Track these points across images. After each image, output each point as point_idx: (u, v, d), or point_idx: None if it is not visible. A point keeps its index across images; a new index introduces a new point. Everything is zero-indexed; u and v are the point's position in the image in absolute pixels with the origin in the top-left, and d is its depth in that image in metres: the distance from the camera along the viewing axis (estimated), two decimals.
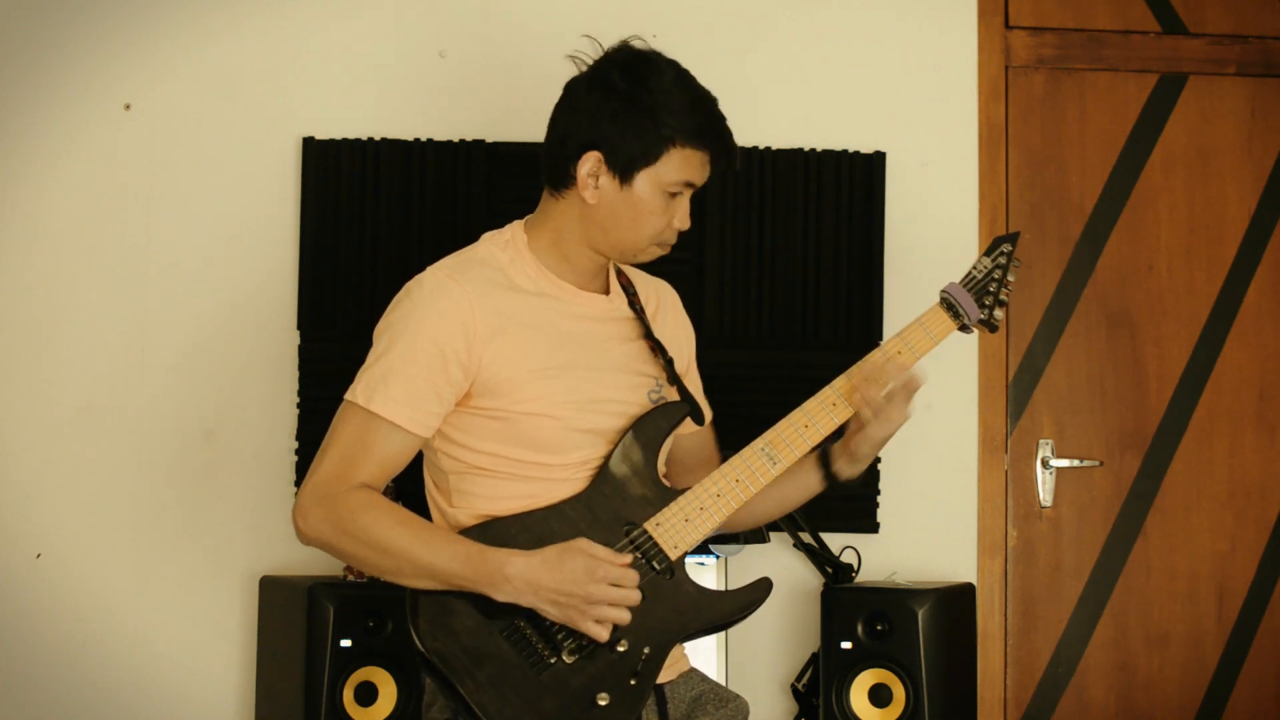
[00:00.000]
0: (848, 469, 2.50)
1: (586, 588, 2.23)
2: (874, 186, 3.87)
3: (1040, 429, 3.97)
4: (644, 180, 2.37)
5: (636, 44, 2.42)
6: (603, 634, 2.26)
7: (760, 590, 2.41)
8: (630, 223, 2.39)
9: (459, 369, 2.32)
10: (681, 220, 2.41)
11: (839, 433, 2.51)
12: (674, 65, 2.41)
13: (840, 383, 2.47)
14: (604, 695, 2.29)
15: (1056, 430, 3.97)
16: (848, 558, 3.70)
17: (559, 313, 2.41)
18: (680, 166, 2.37)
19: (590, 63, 2.42)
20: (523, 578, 2.24)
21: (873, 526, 3.84)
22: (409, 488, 2.54)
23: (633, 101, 2.35)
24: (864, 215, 3.86)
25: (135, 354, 3.76)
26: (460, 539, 2.30)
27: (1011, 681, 3.92)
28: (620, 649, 2.31)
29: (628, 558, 2.31)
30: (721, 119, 2.41)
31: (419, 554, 2.26)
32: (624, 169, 2.36)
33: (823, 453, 2.52)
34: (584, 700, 2.28)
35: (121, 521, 3.74)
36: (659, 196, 2.38)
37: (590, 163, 2.37)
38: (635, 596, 2.27)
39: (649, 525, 2.37)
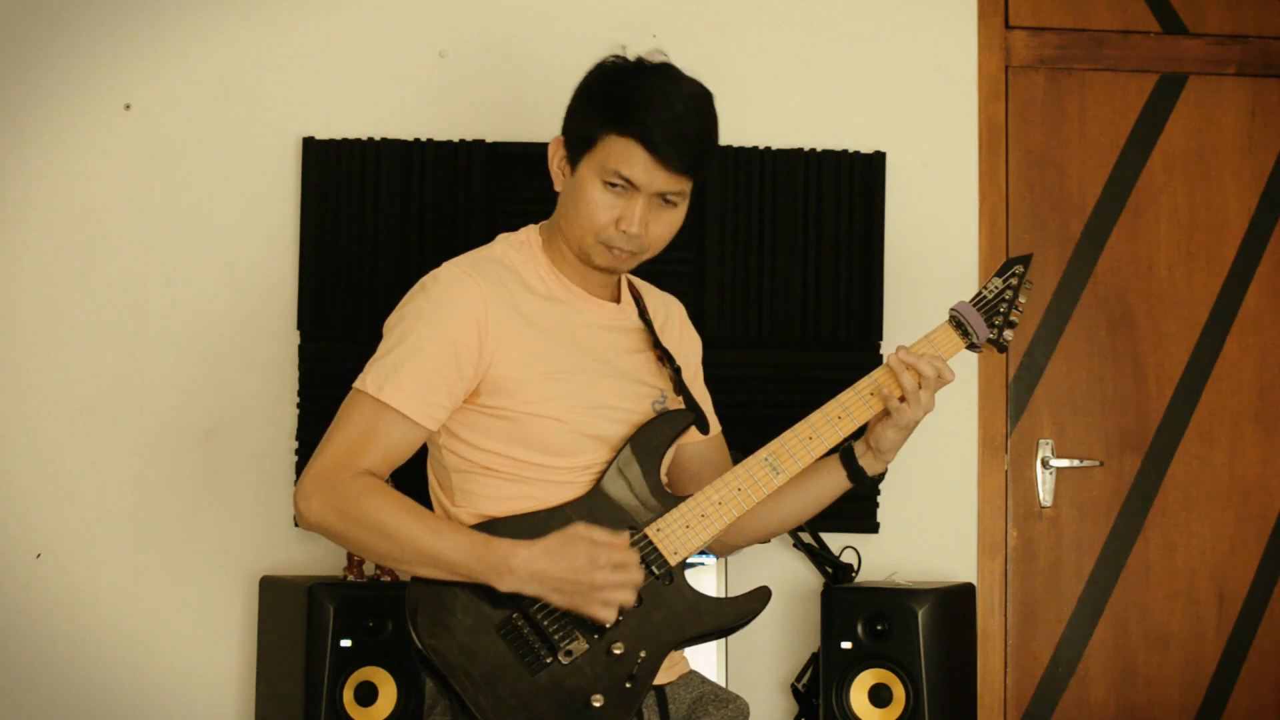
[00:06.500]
0: (873, 464, 2.52)
1: (591, 575, 2.24)
2: (874, 186, 3.87)
3: (1040, 429, 3.97)
4: (585, 167, 2.37)
5: (656, 57, 2.40)
6: (610, 616, 2.27)
7: (759, 599, 2.41)
8: (574, 211, 2.39)
9: (470, 365, 2.33)
10: (627, 222, 2.35)
11: (859, 432, 2.52)
12: (663, 68, 2.38)
13: (846, 396, 2.48)
14: (599, 697, 2.30)
15: (1056, 430, 3.97)
16: (848, 558, 3.70)
17: (569, 319, 2.42)
18: (614, 155, 2.33)
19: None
20: (527, 568, 2.24)
21: (873, 526, 3.84)
22: (411, 487, 2.53)
23: (583, 89, 2.39)
24: (864, 215, 3.86)
25: (135, 354, 3.76)
26: (466, 529, 2.31)
27: (1011, 681, 3.92)
28: (616, 651, 2.31)
29: (625, 537, 2.31)
30: (670, 118, 2.31)
31: (424, 541, 2.26)
32: (573, 155, 2.39)
33: (846, 451, 2.53)
34: (579, 701, 2.29)
35: (121, 521, 3.74)
36: (597, 187, 2.35)
37: (556, 150, 2.42)
38: (639, 577, 2.29)
39: (650, 530, 2.37)
